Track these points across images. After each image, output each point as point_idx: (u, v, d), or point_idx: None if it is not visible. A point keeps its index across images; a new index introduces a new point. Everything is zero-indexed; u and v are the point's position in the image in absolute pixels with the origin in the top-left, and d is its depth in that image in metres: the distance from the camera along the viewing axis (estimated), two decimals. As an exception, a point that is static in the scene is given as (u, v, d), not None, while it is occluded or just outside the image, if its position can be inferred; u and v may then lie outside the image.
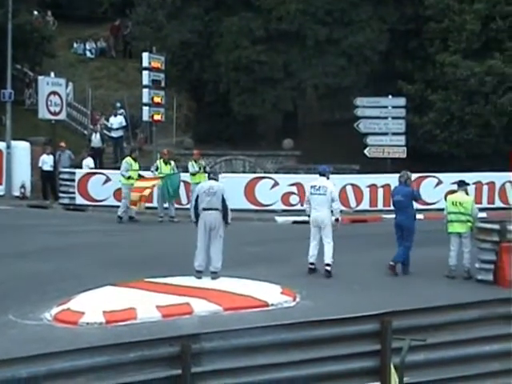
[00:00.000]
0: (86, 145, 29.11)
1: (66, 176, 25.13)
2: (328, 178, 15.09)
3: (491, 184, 24.50)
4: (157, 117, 26.50)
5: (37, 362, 7.70)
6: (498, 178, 24.53)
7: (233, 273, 13.75)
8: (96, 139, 28.63)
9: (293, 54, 28.51)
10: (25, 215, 23.30)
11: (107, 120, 30.74)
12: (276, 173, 26.25)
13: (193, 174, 22.81)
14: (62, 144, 26.69)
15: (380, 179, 23.81)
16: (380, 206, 23.56)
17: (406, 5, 28.71)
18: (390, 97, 26.88)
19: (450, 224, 14.86)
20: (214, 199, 13.63)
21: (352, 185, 23.94)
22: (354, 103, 27.14)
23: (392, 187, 17.89)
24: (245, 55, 28.19)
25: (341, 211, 15.33)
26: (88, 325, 11.06)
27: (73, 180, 24.78)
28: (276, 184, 24.14)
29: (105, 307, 11.53)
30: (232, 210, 14.26)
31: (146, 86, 26.02)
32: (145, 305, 11.68)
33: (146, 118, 26.65)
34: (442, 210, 15.47)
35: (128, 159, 22.60)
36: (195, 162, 23.28)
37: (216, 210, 13.64)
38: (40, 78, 27.71)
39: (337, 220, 14.80)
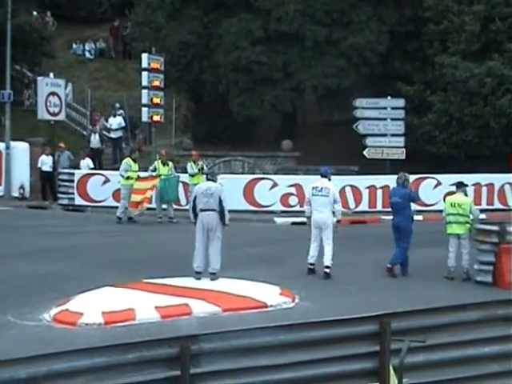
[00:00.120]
0: (85, 146, 29.10)
1: (65, 177, 25.13)
2: (329, 180, 15.09)
3: (490, 185, 24.51)
4: (156, 117, 26.51)
5: (36, 363, 7.69)
6: (497, 179, 24.54)
7: (232, 274, 13.75)
8: (95, 140, 28.65)
9: (292, 55, 28.52)
10: (24, 216, 23.29)
11: (106, 121, 30.74)
12: (275, 174, 26.25)
13: (192, 175, 22.81)
14: (61, 145, 26.69)
15: (379, 180, 23.81)
16: (379, 207, 23.57)
17: (405, 6, 28.72)
18: (389, 98, 26.89)
19: (448, 225, 14.88)
20: (211, 200, 13.64)
21: (351, 186, 23.94)
22: (353, 104, 27.14)
23: (391, 188, 17.89)
24: (244, 56, 28.19)
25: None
26: (87, 325, 11.06)
27: (72, 181, 24.78)
28: (275, 185, 24.14)
29: (104, 308, 11.53)
30: (231, 211, 14.27)
31: (145, 87, 26.03)
32: (144, 306, 11.68)
33: (145, 118, 26.66)
34: (441, 211, 15.48)
35: (127, 160, 22.59)
36: (194, 162, 23.28)
37: (213, 210, 13.65)
38: (39, 78, 27.72)
39: (338, 221, 14.83)
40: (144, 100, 26.13)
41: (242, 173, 27.26)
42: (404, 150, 26.54)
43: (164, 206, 22.52)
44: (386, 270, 14.73)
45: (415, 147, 26.87)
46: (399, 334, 9.42)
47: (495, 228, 14.22)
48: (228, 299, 12.36)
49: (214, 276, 13.62)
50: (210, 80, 29.46)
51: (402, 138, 26.75)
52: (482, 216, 16.00)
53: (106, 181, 24.28)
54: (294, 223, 21.80)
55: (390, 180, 19.90)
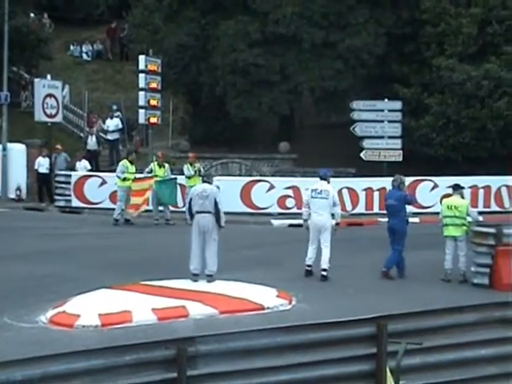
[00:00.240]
0: (82, 147, 29.08)
1: (61, 178, 25.11)
2: (329, 182, 15.09)
3: (487, 188, 24.52)
4: (153, 119, 26.51)
5: (32, 365, 7.69)
6: (494, 181, 24.56)
7: (229, 276, 13.74)
8: (92, 142, 28.64)
9: (289, 58, 28.53)
10: (20, 218, 23.26)
11: (103, 122, 30.73)
12: (272, 176, 26.25)
13: (188, 177, 22.81)
14: (58, 146, 26.67)
15: (376, 183, 23.80)
16: (376, 210, 23.55)
17: (403, 8, 28.73)
18: (386, 100, 26.91)
19: (445, 228, 14.89)
20: (206, 202, 13.64)
21: (348, 188, 23.94)
22: (350, 106, 27.15)
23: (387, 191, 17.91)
24: (241, 58, 28.19)
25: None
26: (84, 327, 11.04)
27: (69, 182, 24.75)
28: (272, 187, 24.14)
29: (100, 310, 11.51)
30: (228, 214, 14.26)
31: (142, 89, 26.03)
32: (140, 308, 11.66)
33: (142, 120, 26.66)
34: (438, 213, 15.48)
35: (124, 162, 22.59)
36: (191, 165, 23.27)
37: (209, 213, 13.64)
38: (36, 80, 27.72)
39: (338, 224, 14.85)
40: (141, 102, 26.14)
41: (239, 175, 27.25)
42: (401, 152, 26.55)
43: (161, 208, 22.52)
44: (382, 274, 14.74)
45: (412, 149, 26.88)
46: (396, 336, 9.43)
47: (492, 230, 14.23)
48: (225, 301, 12.34)
49: (210, 278, 13.61)
50: (208, 82, 29.45)
51: (399, 140, 26.77)
52: (480, 218, 15.98)
53: (103, 183, 24.26)
54: (291, 225, 21.79)
55: (387, 182, 19.85)
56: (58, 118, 27.73)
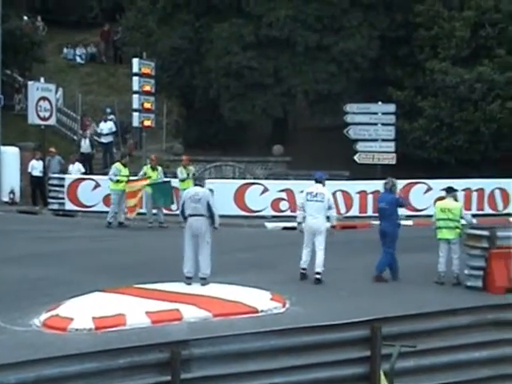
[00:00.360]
0: (76, 150, 29.04)
1: (55, 182, 25.05)
2: (324, 185, 15.10)
3: (480, 190, 24.56)
4: (147, 122, 26.50)
5: (26, 368, 7.68)
6: (488, 184, 24.61)
7: (223, 279, 13.74)
8: (85, 145, 28.58)
9: (283, 60, 28.54)
10: (14, 221, 23.21)
11: (97, 125, 30.69)
12: (266, 179, 26.25)
13: (182, 180, 22.80)
14: (52, 149, 26.61)
15: (370, 185, 23.81)
16: (369, 213, 23.55)
17: (396, 12, 28.78)
18: (379, 103, 26.94)
19: (438, 230, 14.92)
20: (199, 205, 13.66)
21: (342, 191, 23.95)
22: (343, 109, 27.18)
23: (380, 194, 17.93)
24: (235, 61, 28.19)
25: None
26: (77, 331, 11.02)
27: (62, 186, 24.70)
28: (266, 190, 24.14)
29: (94, 313, 11.49)
30: (221, 216, 14.26)
31: (136, 92, 26.02)
32: (134, 311, 11.65)
33: (136, 123, 26.64)
34: (432, 216, 15.51)
35: (117, 165, 22.60)
36: (184, 167, 23.27)
37: (202, 216, 13.65)
38: (30, 83, 27.66)
39: (333, 227, 14.86)
40: (135, 105, 26.13)
41: (233, 178, 27.24)
42: (395, 155, 26.57)
43: (154, 211, 22.51)
44: (375, 278, 14.75)
45: (406, 152, 26.91)
46: (390, 338, 9.44)
47: (485, 233, 14.25)
48: (219, 304, 12.34)
49: (204, 281, 13.60)
50: (201, 85, 29.44)
51: (393, 143, 26.79)
52: (473, 221, 16.02)
53: (97, 186, 24.22)
54: (284, 228, 21.80)
55: (381, 185, 19.90)
56: (52, 121, 27.69)
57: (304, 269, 14.70)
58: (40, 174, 26.03)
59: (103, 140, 29.53)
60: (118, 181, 22.03)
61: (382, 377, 9.00)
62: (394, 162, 26.39)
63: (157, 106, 27.95)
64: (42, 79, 27.63)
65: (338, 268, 15.14)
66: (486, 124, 26.71)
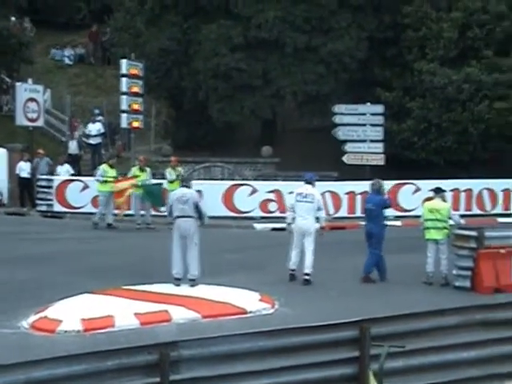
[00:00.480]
0: (64, 152, 28.95)
1: (43, 183, 24.99)
2: (314, 186, 15.11)
3: (469, 191, 24.66)
4: (135, 124, 26.48)
5: (15, 371, 7.65)
6: (476, 185, 24.72)
7: (211, 280, 13.73)
8: (73, 146, 28.51)
9: (272, 62, 28.54)
10: (2, 222, 23.10)
11: (85, 127, 30.61)
12: (254, 180, 26.25)
13: (170, 182, 22.77)
14: (40, 151, 26.51)
15: (358, 186, 23.82)
16: (358, 213, 23.58)
17: (385, 13, 28.83)
18: (368, 104, 27.00)
19: (426, 231, 14.96)
20: (186, 207, 13.67)
21: (330, 192, 23.97)
22: (332, 110, 27.22)
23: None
24: (223, 63, 28.18)
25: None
26: (66, 333, 10.99)
27: (50, 187, 24.65)
28: (254, 191, 24.15)
29: (82, 315, 11.47)
30: (210, 217, 14.29)
31: (124, 93, 25.98)
32: (123, 312, 11.63)
33: (124, 124, 26.62)
34: (420, 216, 15.54)
35: (103, 166, 22.68)
36: (173, 169, 23.25)
37: (190, 217, 13.66)
38: (17, 84, 27.58)
39: (323, 228, 14.87)
40: (123, 106, 26.10)
41: (222, 179, 27.21)
42: (383, 155, 26.63)
43: (143, 212, 22.49)
44: (363, 279, 14.78)
45: (394, 153, 26.96)
46: (379, 339, 9.45)
47: (473, 233, 14.30)
48: (207, 305, 12.33)
49: (193, 282, 13.60)
50: (190, 86, 29.41)
51: (381, 144, 26.85)
52: (461, 221, 16.06)
53: (85, 187, 24.16)
54: (273, 229, 21.80)
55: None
56: (40, 123, 27.63)
57: (293, 270, 14.71)
58: (28, 176, 25.92)
59: (91, 141, 29.43)
60: (105, 181, 22.01)
61: (371, 377, 9.01)
62: (382, 162, 26.44)
63: (145, 107, 27.92)
64: (30, 80, 27.56)
65: (326, 269, 15.15)
66: (474, 125, 26.80)
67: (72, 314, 11.60)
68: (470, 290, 14.05)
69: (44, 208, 24.73)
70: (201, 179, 25.36)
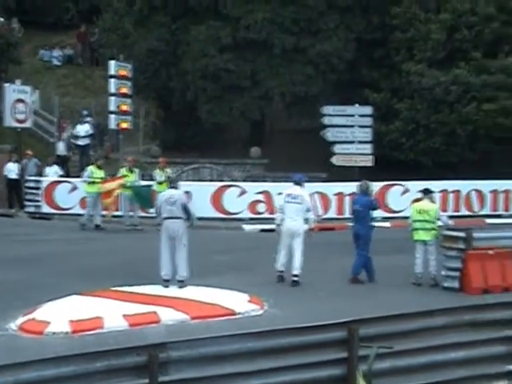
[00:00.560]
0: (52, 153, 28.86)
1: (31, 184, 24.94)
2: (303, 187, 15.11)
3: (457, 192, 24.74)
4: (124, 125, 26.43)
5: (3, 373, 7.63)
6: (464, 186, 24.80)
7: (200, 281, 13.72)
8: (62, 147, 28.44)
9: (260, 63, 28.57)
10: (-11, 224, 23.06)
11: (74, 128, 30.52)
12: (243, 181, 26.24)
13: (159, 183, 22.74)
14: (29, 152, 26.45)
15: (347, 187, 23.84)
16: (347, 214, 23.57)
17: (373, 14, 28.91)
18: (356, 105, 27.05)
19: (415, 232, 14.99)
20: (174, 208, 13.66)
21: (319, 193, 24.00)
22: (320, 111, 27.25)
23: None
24: (212, 63, 28.19)
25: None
26: (54, 334, 10.96)
27: (39, 188, 24.60)
28: (243, 192, 24.14)
29: (71, 316, 11.43)
30: (199, 219, 14.27)
31: (112, 94, 25.94)
32: (111, 314, 11.60)
33: (112, 126, 26.57)
34: (408, 217, 15.57)
35: (91, 167, 22.64)
36: (161, 170, 23.22)
37: (178, 218, 13.65)
38: (6, 85, 27.45)
39: (312, 229, 14.88)
40: (111, 107, 26.05)
41: (211, 180, 27.19)
42: (372, 157, 26.68)
43: (131, 214, 22.46)
44: (351, 280, 14.80)
45: (383, 154, 27.03)
46: (367, 340, 9.47)
47: (462, 234, 14.34)
48: (196, 307, 12.32)
49: (182, 284, 13.58)
50: (178, 87, 29.41)
51: (370, 145, 26.91)
52: (449, 222, 16.11)
53: (74, 188, 24.12)
54: (262, 230, 21.81)
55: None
56: (28, 124, 27.56)
57: (281, 271, 14.71)
58: (16, 177, 25.84)
59: (80, 142, 29.33)
60: (92, 182, 21.98)
61: (360, 378, 9.03)
62: (371, 163, 26.51)
63: (134, 108, 27.88)
64: (18, 81, 27.47)
65: (315, 270, 15.16)
66: (462, 126, 26.90)
67: (60, 315, 11.56)
68: (459, 290, 14.09)
69: (32, 209, 24.67)
70: (189, 180, 25.35)
